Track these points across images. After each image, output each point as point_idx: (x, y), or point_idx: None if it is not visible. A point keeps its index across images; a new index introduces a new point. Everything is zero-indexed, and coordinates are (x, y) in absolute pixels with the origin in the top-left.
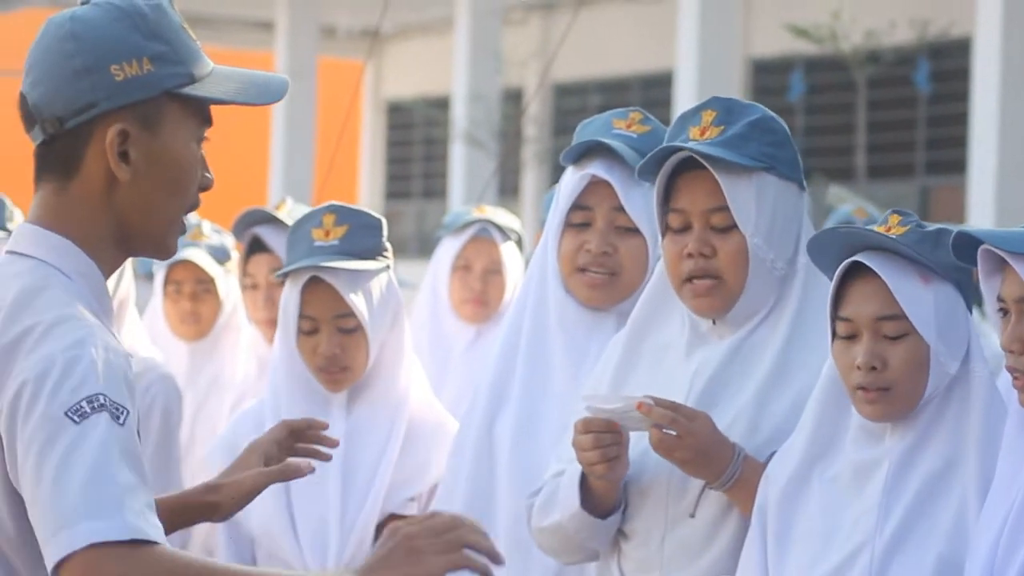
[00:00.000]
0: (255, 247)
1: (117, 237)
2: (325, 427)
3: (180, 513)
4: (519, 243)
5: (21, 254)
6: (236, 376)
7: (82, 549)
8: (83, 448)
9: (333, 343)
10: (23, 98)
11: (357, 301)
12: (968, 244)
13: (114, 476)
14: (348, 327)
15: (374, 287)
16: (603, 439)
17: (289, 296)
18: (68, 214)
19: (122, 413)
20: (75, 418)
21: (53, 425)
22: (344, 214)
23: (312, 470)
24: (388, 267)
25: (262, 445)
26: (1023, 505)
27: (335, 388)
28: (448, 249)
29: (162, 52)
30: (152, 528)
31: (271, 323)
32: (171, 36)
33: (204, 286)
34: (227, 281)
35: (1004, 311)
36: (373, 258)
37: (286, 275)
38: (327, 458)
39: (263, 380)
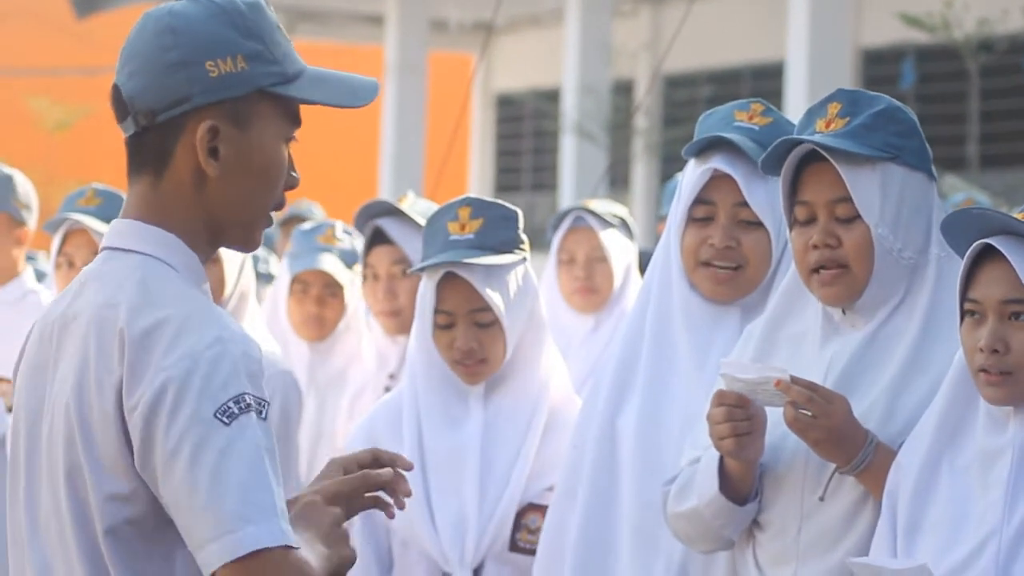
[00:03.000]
0: (377, 238)
1: (208, 231)
2: (410, 467)
3: None
4: (628, 229)
5: (125, 250)
6: (356, 376)
7: (245, 555)
8: (237, 451)
9: (470, 337)
10: (116, 89)
11: (493, 295)
12: None
13: (268, 479)
14: (485, 321)
15: (510, 280)
16: (735, 413)
17: (425, 291)
18: (165, 208)
19: (264, 407)
20: (224, 419)
21: (203, 427)
22: (479, 207)
23: (392, 516)
24: (524, 259)
25: (343, 461)
26: None
27: (473, 381)
28: (553, 244)
29: (257, 51)
30: (292, 532)
31: (391, 315)
32: (267, 35)
33: (331, 290)
34: (354, 285)
35: None
36: (509, 251)
37: (422, 269)
38: (401, 505)
39: (382, 373)
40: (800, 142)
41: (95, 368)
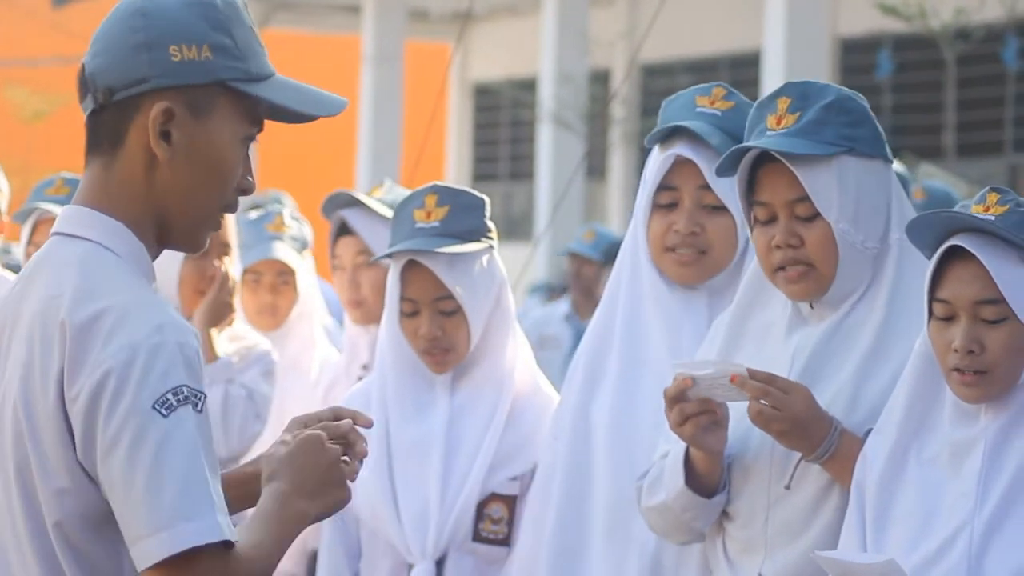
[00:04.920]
0: (342, 230)
1: (155, 224)
2: (369, 424)
3: (237, 487)
4: None
5: (74, 236)
6: (311, 364)
7: (179, 554)
8: (174, 445)
9: (434, 325)
10: (81, 68)
11: (456, 284)
12: None
13: (204, 473)
14: (448, 309)
15: (475, 268)
16: (668, 392)
17: (392, 278)
18: (116, 195)
19: (200, 399)
20: (163, 411)
21: (142, 418)
22: (446, 194)
23: (353, 477)
24: (491, 247)
25: (305, 418)
26: None
27: (439, 369)
28: None
29: (224, 44)
30: (230, 526)
31: (355, 304)
32: (237, 32)
33: (283, 278)
34: (305, 271)
35: None
36: (476, 239)
37: (386, 256)
38: (351, 477)
39: (355, 364)
40: (751, 148)
41: (40, 361)
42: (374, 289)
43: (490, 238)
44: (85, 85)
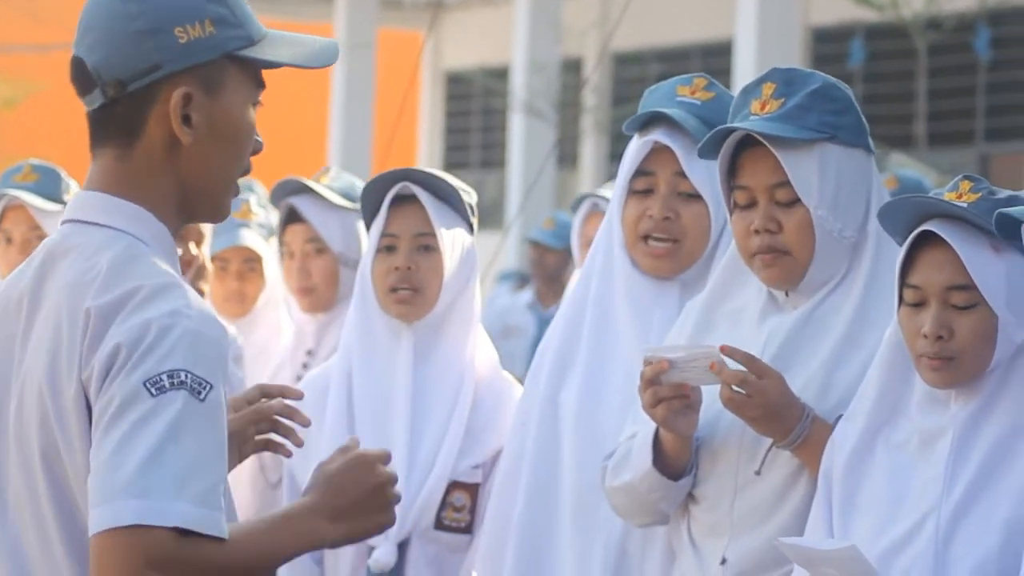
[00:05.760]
0: (291, 217)
1: (179, 202)
2: (300, 396)
3: None
4: None
5: (92, 223)
6: (278, 351)
7: (124, 527)
8: (152, 425)
9: (410, 260)
10: (78, 62)
11: (441, 225)
12: (1011, 223)
13: (176, 458)
14: (427, 245)
15: (458, 235)
16: (645, 374)
17: (376, 218)
18: (135, 180)
19: (204, 388)
20: (152, 391)
21: (130, 393)
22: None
23: (290, 454)
24: (472, 229)
25: (232, 402)
26: None
27: (404, 312)
28: (573, 233)
29: (223, 15)
30: (208, 517)
31: (305, 292)
32: None
33: (250, 265)
34: (272, 258)
35: None
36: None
37: (383, 187)
38: (299, 442)
39: (300, 349)
40: (736, 129)
41: (67, 346)
42: (324, 277)
43: (472, 226)
44: (88, 79)
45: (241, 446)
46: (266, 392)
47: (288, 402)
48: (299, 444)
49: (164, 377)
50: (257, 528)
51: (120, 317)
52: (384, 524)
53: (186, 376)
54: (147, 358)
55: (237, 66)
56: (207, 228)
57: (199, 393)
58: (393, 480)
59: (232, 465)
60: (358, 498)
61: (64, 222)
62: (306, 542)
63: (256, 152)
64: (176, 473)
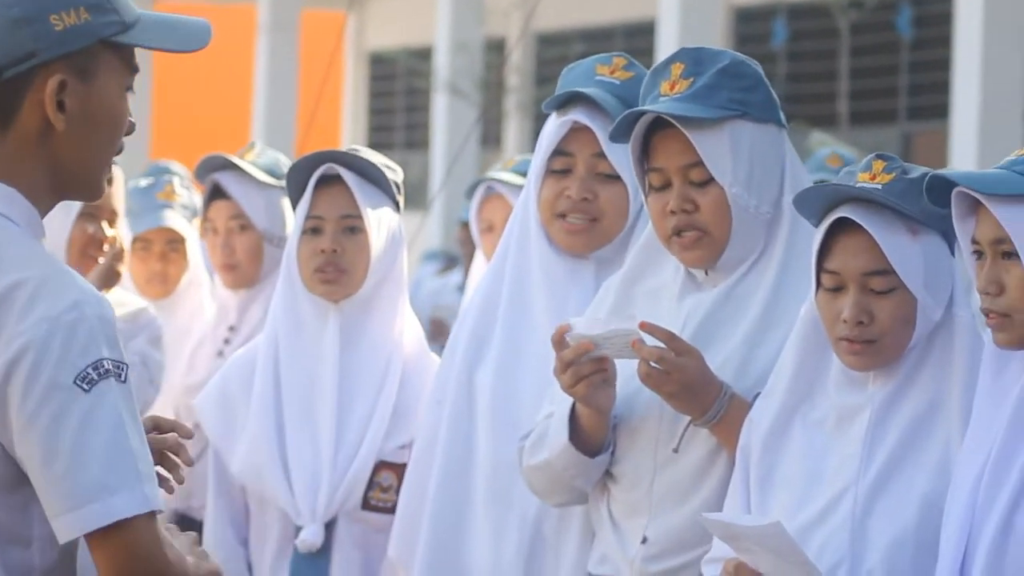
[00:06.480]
0: (215, 193)
1: (51, 183)
2: (190, 435)
3: None
4: None
5: None
6: (199, 330)
7: (111, 524)
8: (97, 419)
9: (335, 241)
10: None
11: (367, 206)
12: (942, 187)
13: (129, 445)
14: (353, 226)
15: (384, 213)
16: (566, 355)
17: (303, 200)
18: (7, 163)
19: (123, 369)
20: (84, 386)
21: (63, 394)
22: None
23: (171, 491)
24: (399, 207)
25: None
26: (1003, 445)
27: (330, 292)
28: (471, 218)
29: (97, 1)
30: (157, 496)
31: (228, 268)
32: None
33: (173, 246)
34: (195, 239)
35: (979, 253)
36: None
37: (308, 168)
38: (169, 490)
39: (222, 325)
40: (646, 112)
41: None
42: (247, 253)
43: (399, 206)
44: None
45: None
46: (158, 425)
47: (178, 439)
48: (180, 482)
49: (91, 370)
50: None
51: (16, 312)
52: (213, 571)
53: (109, 363)
54: (66, 356)
55: (111, 51)
56: (120, 206)
57: (120, 376)
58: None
59: None
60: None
61: None
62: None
63: (129, 133)
64: (133, 458)
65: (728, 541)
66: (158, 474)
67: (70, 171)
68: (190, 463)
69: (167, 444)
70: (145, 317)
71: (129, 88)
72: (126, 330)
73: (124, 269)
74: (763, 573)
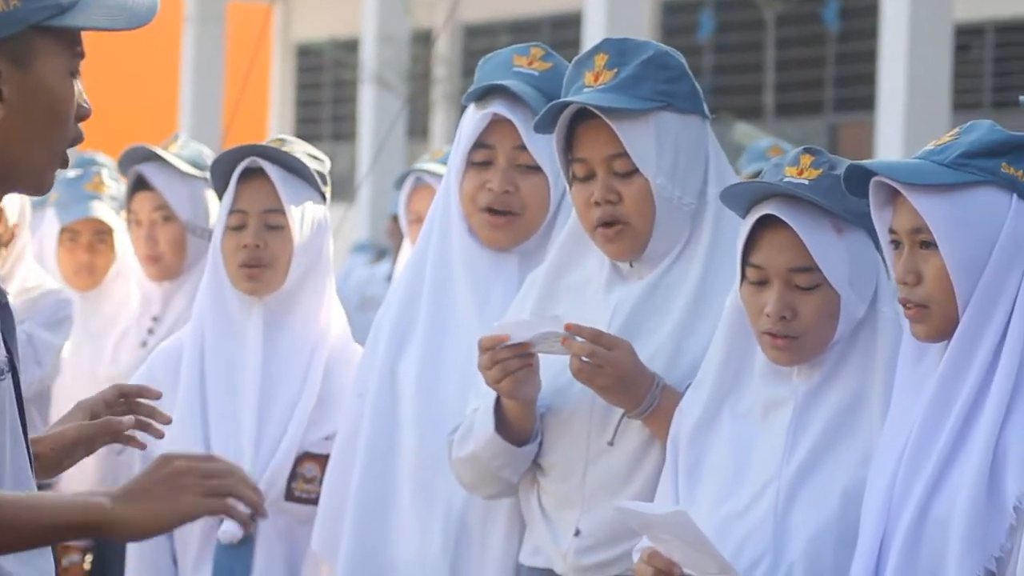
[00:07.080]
0: (139, 185)
1: None
2: (158, 396)
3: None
4: None
5: None
6: (125, 321)
7: None
8: None
9: (258, 237)
10: None
11: (290, 202)
12: (860, 177)
13: None
14: (275, 223)
15: (308, 206)
16: (499, 354)
17: (226, 195)
18: None
19: (7, 367)
20: None
21: None
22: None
23: (143, 446)
24: (325, 198)
25: (89, 403)
26: (919, 435)
27: (253, 287)
28: (400, 210)
29: None
30: None
31: (152, 260)
32: None
33: (101, 237)
34: (123, 230)
35: (896, 243)
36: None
37: (232, 162)
38: (159, 434)
39: (146, 316)
40: (570, 103)
41: None
42: (171, 245)
43: (325, 197)
44: None
45: (91, 447)
46: (124, 392)
47: (147, 402)
48: (160, 436)
49: None
50: (27, 499)
51: None
52: (191, 507)
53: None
54: None
55: (49, 36)
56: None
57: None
58: (198, 471)
59: (79, 459)
60: (147, 484)
61: None
62: (79, 513)
63: (83, 118)
64: None
65: (642, 530)
66: (134, 439)
67: (15, 162)
68: (168, 421)
69: (124, 426)
70: (47, 300)
71: (74, 73)
72: (21, 310)
73: (50, 261)
74: (675, 560)
